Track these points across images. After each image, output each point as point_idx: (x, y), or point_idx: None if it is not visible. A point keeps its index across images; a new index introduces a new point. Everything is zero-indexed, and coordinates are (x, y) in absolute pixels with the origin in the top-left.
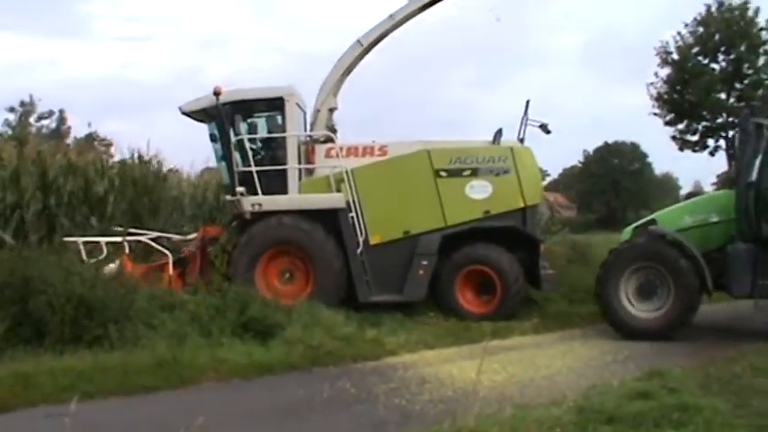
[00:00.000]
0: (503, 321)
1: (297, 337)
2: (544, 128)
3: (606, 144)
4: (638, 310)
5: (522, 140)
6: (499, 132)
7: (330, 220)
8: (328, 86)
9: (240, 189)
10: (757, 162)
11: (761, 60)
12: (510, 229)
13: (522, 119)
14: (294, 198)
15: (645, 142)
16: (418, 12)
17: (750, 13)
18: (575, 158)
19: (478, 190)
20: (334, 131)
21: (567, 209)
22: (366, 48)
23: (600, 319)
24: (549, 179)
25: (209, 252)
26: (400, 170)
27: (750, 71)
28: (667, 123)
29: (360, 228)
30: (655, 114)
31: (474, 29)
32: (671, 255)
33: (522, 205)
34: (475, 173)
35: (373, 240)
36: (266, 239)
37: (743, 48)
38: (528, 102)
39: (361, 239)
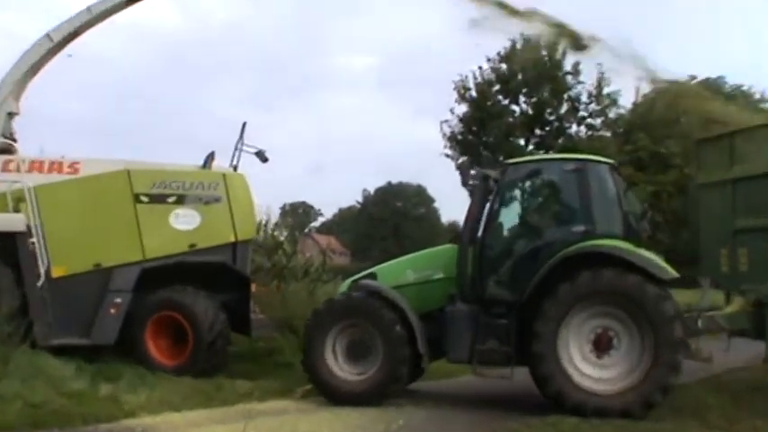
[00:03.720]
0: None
1: (14, 393)
2: (261, 155)
3: (389, 184)
4: (344, 371)
5: (235, 167)
6: (211, 156)
7: (5, 245)
8: (8, 87)
9: None
10: (483, 216)
11: (564, 107)
12: (218, 266)
13: (237, 143)
14: None
15: (433, 185)
16: (122, 7)
17: (558, 55)
18: (353, 198)
19: (184, 220)
20: (14, 140)
21: (340, 255)
22: (57, 43)
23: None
24: (321, 220)
25: None
26: (94, 191)
27: (552, 117)
28: (459, 167)
29: (42, 257)
30: (447, 156)
31: (257, 40)
32: (380, 313)
33: (232, 239)
34: (181, 200)
35: (57, 272)
36: None
37: (546, 92)
38: (244, 125)
39: (42, 271)
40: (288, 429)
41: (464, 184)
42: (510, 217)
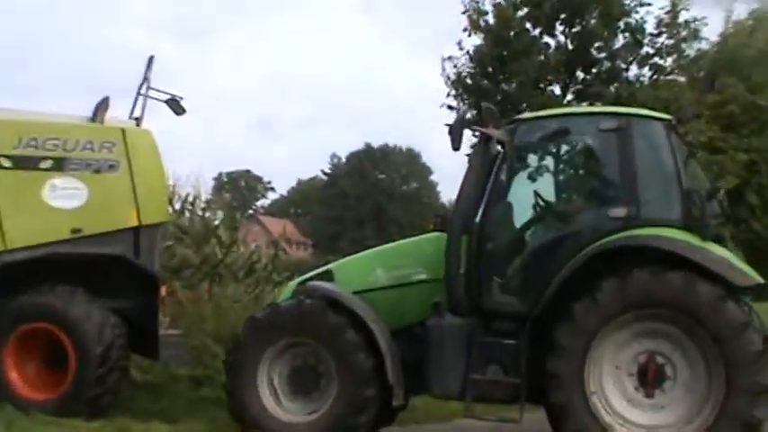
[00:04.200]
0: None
1: None
2: (174, 105)
3: (368, 148)
4: (285, 410)
5: (138, 120)
6: (103, 104)
7: None
8: None
9: None
10: (483, 194)
11: (620, 40)
12: (113, 261)
13: (142, 85)
14: None
15: (430, 151)
16: None
17: None
18: (317, 166)
19: (65, 194)
20: None
21: (299, 246)
22: None
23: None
24: (272, 197)
25: None
26: None
27: (602, 54)
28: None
29: None
30: (450, 108)
31: None
32: (335, 328)
33: (135, 223)
34: (60, 166)
35: None
36: None
37: (594, 18)
38: (151, 59)
39: None
40: None
41: (456, 148)
42: (521, 195)
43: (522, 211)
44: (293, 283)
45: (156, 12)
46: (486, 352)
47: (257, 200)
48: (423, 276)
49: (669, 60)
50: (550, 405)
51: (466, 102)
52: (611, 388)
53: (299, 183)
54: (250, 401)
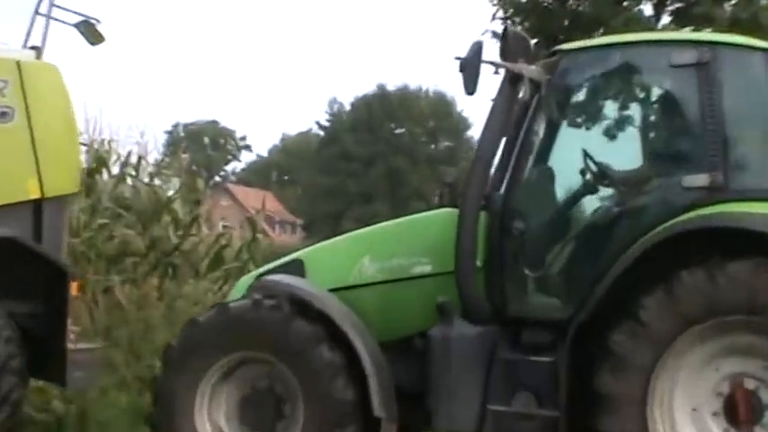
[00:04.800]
0: None
1: None
2: (89, 29)
3: (381, 92)
4: None
5: (37, 51)
6: None
7: None
8: None
9: None
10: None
11: None
12: (5, 246)
13: (41, 3)
14: None
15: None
16: None
17: None
18: (309, 118)
19: None
20: None
21: (284, 226)
22: None
23: None
24: (248, 159)
25: None
26: None
27: None
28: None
29: None
30: (495, 36)
31: None
32: (302, 340)
33: (36, 195)
34: None
35: None
36: None
37: None
38: None
39: None
40: None
41: (470, 91)
42: (562, 157)
43: (563, 179)
44: (248, 277)
45: None
46: (513, 373)
47: (227, 163)
48: (426, 268)
49: None
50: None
51: (520, 26)
52: (686, 424)
53: (285, 139)
54: None
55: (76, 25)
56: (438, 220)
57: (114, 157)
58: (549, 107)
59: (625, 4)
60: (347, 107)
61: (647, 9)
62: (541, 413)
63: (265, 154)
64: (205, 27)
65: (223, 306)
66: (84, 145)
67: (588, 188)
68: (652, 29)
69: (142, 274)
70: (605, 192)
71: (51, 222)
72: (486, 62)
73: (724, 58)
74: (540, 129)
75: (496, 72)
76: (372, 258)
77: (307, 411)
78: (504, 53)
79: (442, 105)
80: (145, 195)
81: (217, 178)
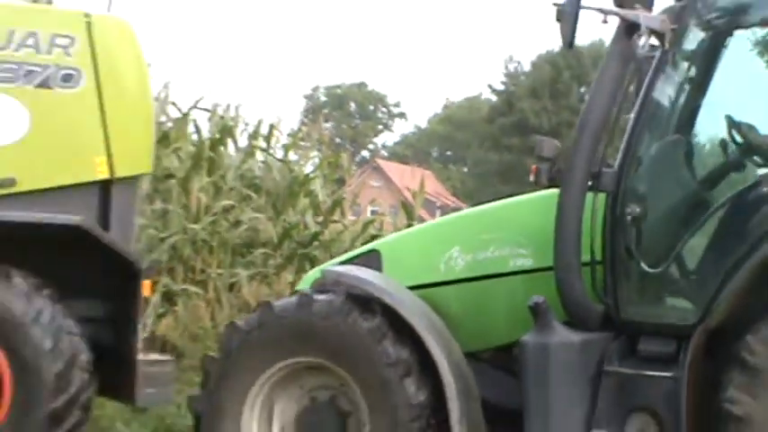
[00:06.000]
0: None
1: None
2: None
3: (570, 49)
4: None
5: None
6: None
7: None
8: None
9: None
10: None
11: None
12: (68, 234)
13: None
14: None
15: None
16: None
17: None
18: (481, 82)
19: None
20: None
21: (445, 211)
22: None
23: None
24: (402, 130)
25: None
26: None
27: None
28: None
29: None
30: None
31: None
32: (365, 342)
33: (105, 175)
34: None
35: None
36: None
37: None
38: None
39: None
40: None
41: (569, 44)
42: (693, 124)
43: (693, 152)
44: (316, 270)
45: None
46: (626, 390)
47: (377, 134)
48: (524, 263)
49: None
50: None
51: None
52: None
53: (448, 107)
54: None
55: None
56: (542, 202)
57: (242, 127)
58: (675, 63)
59: None
60: (526, 67)
61: None
62: None
63: (424, 124)
64: None
65: (266, 305)
66: (206, 111)
67: (725, 163)
68: None
69: (274, 268)
70: (747, 168)
71: (121, 207)
72: (593, 8)
73: None
74: (664, 90)
75: (605, 21)
76: (463, 249)
77: (372, 424)
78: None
79: None
80: (278, 173)
81: (365, 153)
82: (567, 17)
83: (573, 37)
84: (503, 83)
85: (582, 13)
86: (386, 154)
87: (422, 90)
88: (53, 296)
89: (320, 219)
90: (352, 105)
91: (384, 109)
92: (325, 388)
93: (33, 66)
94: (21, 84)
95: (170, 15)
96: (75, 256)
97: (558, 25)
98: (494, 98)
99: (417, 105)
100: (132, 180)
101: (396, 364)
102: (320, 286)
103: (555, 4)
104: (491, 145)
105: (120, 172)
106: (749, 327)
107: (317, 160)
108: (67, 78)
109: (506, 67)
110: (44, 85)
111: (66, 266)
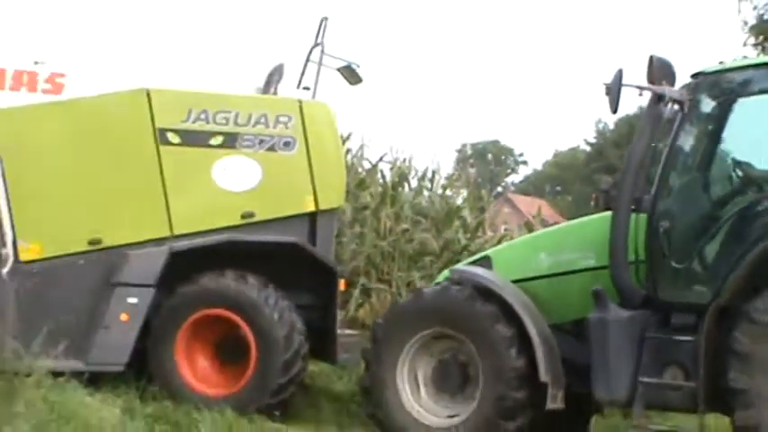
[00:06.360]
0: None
1: None
2: (350, 73)
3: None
4: (428, 410)
5: (309, 91)
6: (277, 73)
7: None
8: None
9: None
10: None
11: None
12: (288, 250)
13: (311, 52)
14: None
15: None
16: None
17: None
18: (579, 136)
19: (237, 174)
20: None
21: None
22: None
23: None
24: (524, 172)
25: None
26: (90, 123)
27: None
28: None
29: (3, 228)
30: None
31: None
32: (479, 316)
33: (312, 208)
34: (231, 142)
35: (27, 255)
36: None
37: None
38: (324, 20)
39: (8, 251)
40: None
41: (614, 110)
42: (704, 165)
43: (704, 184)
44: (446, 271)
45: None
46: (661, 350)
47: (507, 175)
48: (590, 263)
49: None
50: (736, 427)
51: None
52: None
53: (556, 155)
54: (388, 400)
55: (340, 69)
56: (602, 221)
57: (413, 173)
58: (692, 123)
59: None
60: (611, 126)
61: None
62: (688, 385)
63: (540, 167)
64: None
65: (419, 291)
66: (389, 162)
67: (730, 190)
68: None
69: (437, 271)
70: (743, 194)
71: (323, 230)
72: (631, 86)
73: None
74: (685, 141)
75: (641, 94)
76: (547, 254)
77: (485, 377)
78: (650, 77)
79: None
80: (438, 204)
81: (498, 189)
82: (613, 92)
83: (617, 106)
84: (594, 137)
85: (624, 89)
86: (513, 189)
87: (538, 143)
88: (276, 288)
89: (468, 235)
90: (489, 156)
91: (512, 158)
92: (447, 351)
93: (264, 136)
94: (256, 149)
95: (365, 92)
96: (296, 264)
97: (606, 98)
98: (588, 148)
99: (535, 153)
100: (331, 211)
101: (504, 339)
102: (453, 281)
103: (604, 84)
104: (587, 181)
105: (323, 206)
106: (748, 303)
107: (465, 195)
108: (287, 144)
109: (596, 126)
110: (271, 149)
111: (287, 271)
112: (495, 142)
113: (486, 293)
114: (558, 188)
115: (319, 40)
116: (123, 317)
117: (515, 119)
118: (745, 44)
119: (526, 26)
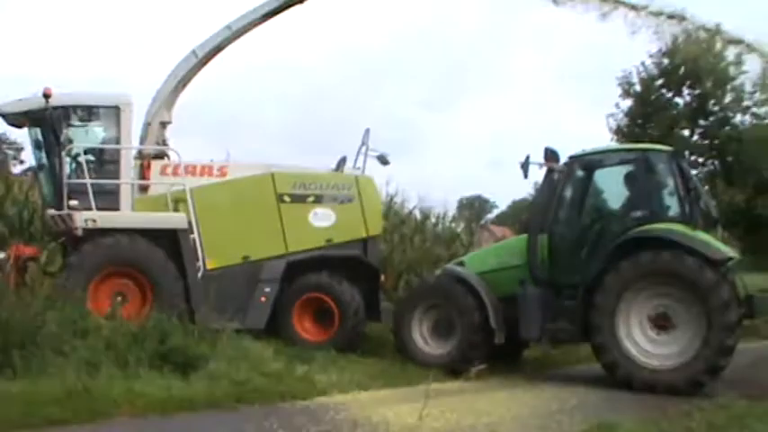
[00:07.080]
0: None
1: (221, 372)
2: (382, 159)
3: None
4: (430, 347)
5: (361, 170)
6: (343, 160)
7: (167, 241)
8: (161, 98)
9: (73, 202)
10: (551, 206)
11: (727, 97)
12: (352, 259)
13: (360, 148)
14: (134, 215)
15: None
16: (260, 22)
17: (718, 46)
18: (526, 191)
19: (322, 217)
20: (167, 146)
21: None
22: (202, 59)
23: (549, 363)
24: (496, 212)
25: (25, 274)
26: (242, 192)
27: (716, 108)
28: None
29: (199, 250)
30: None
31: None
32: (457, 293)
33: (364, 235)
34: (319, 200)
35: (210, 264)
36: (100, 260)
37: (709, 84)
38: (367, 131)
39: (200, 264)
40: (466, 407)
41: (526, 177)
42: (575, 206)
43: (576, 217)
44: (443, 267)
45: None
46: (557, 310)
47: (487, 213)
48: (516, 262)
49: (764, 109)
50: (593, 345)
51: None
52: (634, 326)
53: (514, 202)
54: (407, 340)
55: (377, 156)
56: (523, 239)
57: (432, 215)
58: (570, 184)
59: (675, 130)
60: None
61: (686, 132)
62: (571, 328)
63: (505, 208)
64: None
65: (423, 279)
66: (418, 208)
67: (588, 221)
68: (689, 144)
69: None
70: (597, 223)
71: (372, 248)
72: (535, 163)
73: (649, 156)
74: (566, 195)
75: (540, 168)
76: (495, 258)
77: (461, 328)
78: (546, 158)
79: None
80: (447, 231)
81: (482, 222)
82: (525, 167)
83: (527, 174)
84: (533, 192)
85: (531, 165)
86: (491, 222)
87: (505, 193)
88: (347, 281)
89: (464, 250)
90: (476, 204)
91: (488, 203)
92: (440, 313)
93: (337, 195)
94: (333, 203)
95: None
96: (357, 268)
97: (521, 170)
98: (530, 199)
99: (504, 200)
100: (375, 237)
101: (471, 306)
102: (444, 273)
103: (519, 162)
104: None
105: (371, 234)
106: (599, 285)
107: (462, 226)
108: (349, 199)
109: (533, 186)
110: (341, 203)
111: (352, 271)
112: (479, 196)
113: (461, 280)
114: (516, 220)
115: (364, 141)
116: (263, 299)
117: (491, 180)
118: (611, 140)
119: None
